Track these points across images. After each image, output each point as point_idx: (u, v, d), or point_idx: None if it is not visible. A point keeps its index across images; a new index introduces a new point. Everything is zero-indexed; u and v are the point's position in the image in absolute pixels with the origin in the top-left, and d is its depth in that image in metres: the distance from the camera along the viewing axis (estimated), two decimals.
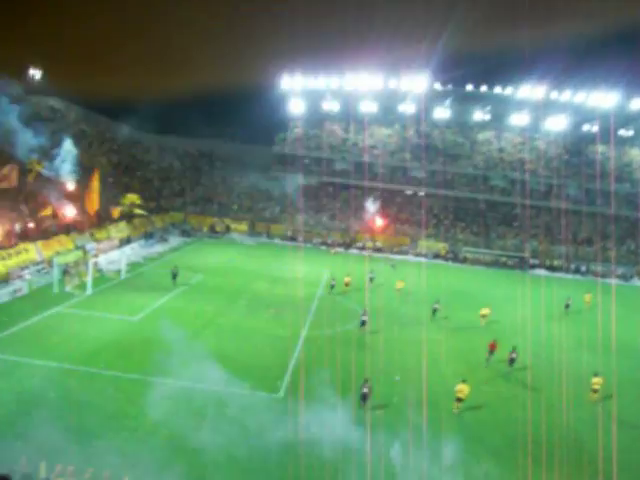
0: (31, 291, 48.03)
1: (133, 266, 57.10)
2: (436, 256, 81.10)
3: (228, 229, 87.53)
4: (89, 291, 48.45)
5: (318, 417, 27.21)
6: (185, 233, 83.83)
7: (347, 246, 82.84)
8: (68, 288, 49.04)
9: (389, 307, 49.06)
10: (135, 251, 65.27)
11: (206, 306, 47.65)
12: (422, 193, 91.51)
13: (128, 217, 73.66)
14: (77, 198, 63.22)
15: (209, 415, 28.69)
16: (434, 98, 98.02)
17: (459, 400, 31.73)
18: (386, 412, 28.40)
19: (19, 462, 18.20)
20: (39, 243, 54.92)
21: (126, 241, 68.59)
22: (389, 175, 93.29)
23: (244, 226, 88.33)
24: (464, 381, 32.35)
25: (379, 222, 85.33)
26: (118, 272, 54.89)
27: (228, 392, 31.52)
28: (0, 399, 28.04)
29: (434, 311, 48.77)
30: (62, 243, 58.30)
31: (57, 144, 66.60)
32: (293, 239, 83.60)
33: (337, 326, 43.31)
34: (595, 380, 35.44)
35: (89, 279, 49.06)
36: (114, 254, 58.52)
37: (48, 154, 65.00)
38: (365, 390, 30.80)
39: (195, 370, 34.16)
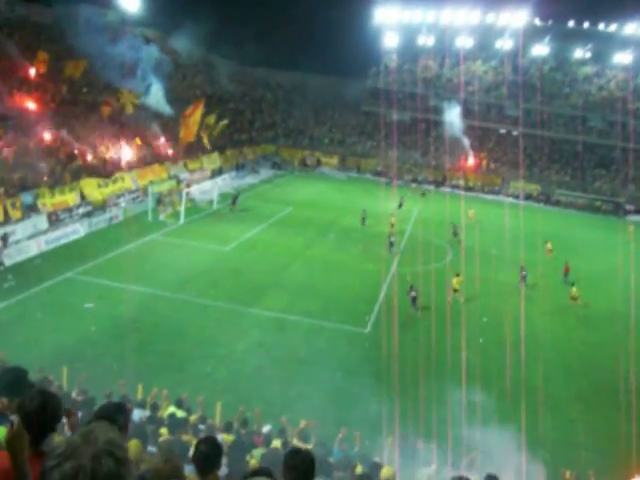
0: (126, 219, 49.37)
1: (225, 197, 57.87)
2: (528, 197, 79.45)
3: (319, 163, 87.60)
4: (182, 220, 49.50)
5: (404, 354, 27.33)
6: (276, 165, 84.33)
7: (438, 184, 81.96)
8: (161, 217, 50.23)
9: (481, 247, 48.40)
10: (227, 182, 66.11)
11: (296, 239, 48.09)
12: (516, 132, 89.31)
13: (220, 148, 74.44)
14: (171, 128, 64.10)
15: (296, 346, 29.28)
16: (533, 34, 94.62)
17: (455, 291, 36.99)
18: (472, 353, 28.37)
19: (117, 383, 19.00)
20: (134, 172, 56.12)
21: (218, 172, 69.50)
22: (483, 113, 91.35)
23: (335, 160, 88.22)
24: (457, 275, 37.80)
25: (471, 161, 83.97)
26: (210, 202, 55.80)
27: (316, 324, 32.04)
28: (98, 323, 29.17)
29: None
30: (156, 172, 59.43)
31: (153, 74, 67.49)
32: (384, 175, 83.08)
33: (427, 263, 43.15)
34: None
35: (182, 208, 50.10)
36: (206, 184, 59.41)
37: (144, 85, 65.97)
38: (413, 294, 34.70)
39: (284, 301, 34.82)
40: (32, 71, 56.77)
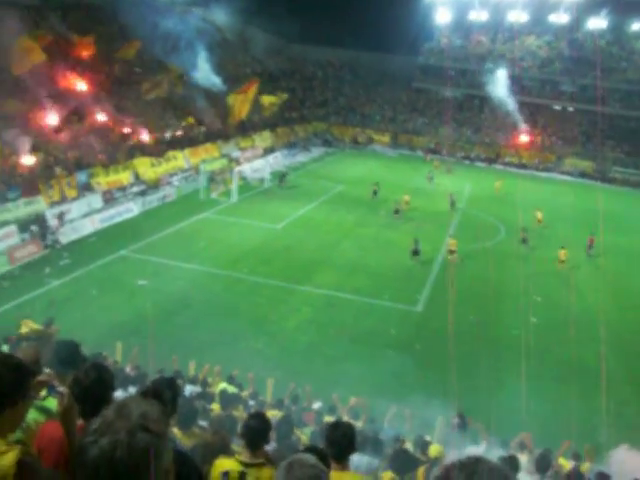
0: (179, 197, 49.86)
1: (276, 175, 57.93)
2: (582, 175, 77.92)
3: (370, 140, 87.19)
4: (234, 198, 49.75)
5: (457, 332, 27.14)
6: (327, 143, 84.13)
7: (491, 161, 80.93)
8: (214, 195, 50.54)
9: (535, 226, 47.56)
10: (278, 160, 66.20)
11: (347, 216, 47.97)
12: (571, 108, 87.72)
13: (272, 126, 74.53)
14: (222, 105, 64.19)
15: (347, 324, 29.29)
16: (589, 7, 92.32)
17: (452, 252, 39.10)
18: (524, 333, 28.03)
19: (170, 359, 19.21)
20: (186, 151, 56.55)
21: (270, 150, 69.62)
22: (537, 89, 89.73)
23: (386, 137, 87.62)
24: (451, 236, 40.70)
25: (524, 138, 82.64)
26: (262, 180, 55.96)
27: (367, 302, 31.98)
28: (152, 299, 29.51)
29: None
30: (208, 151, 59.82)
31: (199, 48, 67.74)
32: (436, 152, 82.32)
33: (479, 241, 42.75)
34: None
35: (234, 186, 50.35)
36: (258, 163, 59.60)
37: (192, 60, 66.24)
38: (415, 247, 38.62)
39: (335, 279, 34.83)
40: (85, 52, 57.33)
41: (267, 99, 71.00)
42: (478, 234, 43.65)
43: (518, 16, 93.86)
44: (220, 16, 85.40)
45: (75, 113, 48.86)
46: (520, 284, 34.13)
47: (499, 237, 45.97)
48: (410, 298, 33.08)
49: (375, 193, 54.07)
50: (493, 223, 49.25)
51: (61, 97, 48.21)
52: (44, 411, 5.32)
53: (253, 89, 62.62)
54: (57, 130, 46.20)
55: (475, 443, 14.94)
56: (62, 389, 4.69)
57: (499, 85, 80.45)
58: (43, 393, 4.71)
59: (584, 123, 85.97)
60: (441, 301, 31.46)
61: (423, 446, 13.32)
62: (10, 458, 3.80)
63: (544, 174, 77.31)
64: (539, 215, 48.52)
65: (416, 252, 38.59)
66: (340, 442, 6.20)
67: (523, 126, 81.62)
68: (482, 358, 24.53)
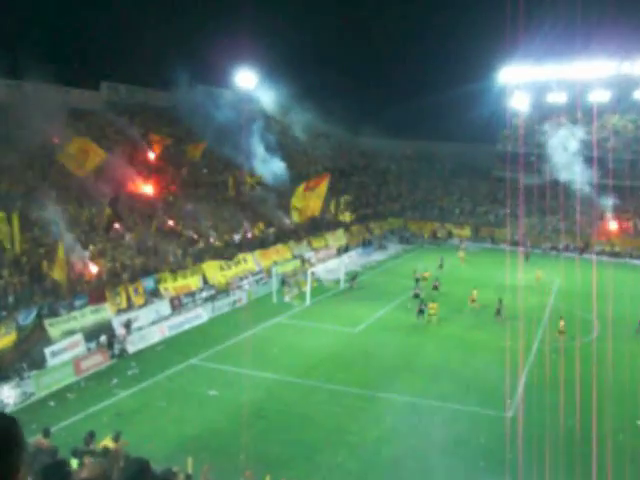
0: (250, 301, 50.14)
1: (350, 275, 57.85)
2: None
3: (450, 234, 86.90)
4: (308, 302, 49.82)
5: (552, 441, 26.16)
6: (404, 240, 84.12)
7: (581, 251, 79.46)
8: (287, 298, 50.69)
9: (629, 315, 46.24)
10: (353, 259, 66.37)
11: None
12: None
13: (345, 225, 75.04)
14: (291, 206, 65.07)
15: (433, 433, 28.53)
16: None
17: (561, 333, 42.33)
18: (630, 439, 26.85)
19: (244, 474, 18.94)
20: (257, 253, 57.16)
21: (344, 249, 69.87)
22: (625, 170, 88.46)
23: (467, 231, 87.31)
24: (562, 318, 43.41)
25: (613, 224, 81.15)
26: (337, 281, 56.03)
27: (453, 409, 31.27)
28: (224, 411, 29.41)
29: None
30: (279, 252, 60.35)
31: (272, 151, 69.41)
32: (519, 244, 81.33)
33: (571, 339, 41.64)
34: None
35: (308, 289, 50.47)
36: (332, 263, 59.80)
37: (264, 162, 67.88)
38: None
39: (418, 384, 34.23)
40: (152, 155, 59.27)
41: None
42: (572, 330, 42.58)
43: (599, 95, 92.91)
44: (288, 114, 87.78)
45: (142, 217, 50.16)
46: (623, 385, 32.97)
47: (593, 333, 44.76)
48: (500, 402, 32.13)
49: (441, 266, 58.84)
50: (586, 319, 48.03)
51: (129, 201, 49.74)
52: None
53: (324, 185, 62.53)
54: (123, 235, 47.44)
55: None
56: None
57: (583, 168, 79.66)
58: None
59: None
60: (535, 404, 30.45)
61: None
62: None
63: (639, 262, 75.50)
64: None
65: (498, 312, 44.33)
66: None
67: (612, 211, 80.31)
68: (584, 467, 23.48)
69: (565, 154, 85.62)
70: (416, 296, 50.89)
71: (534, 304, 50.12)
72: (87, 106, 64.07)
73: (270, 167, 68.31)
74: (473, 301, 49.04)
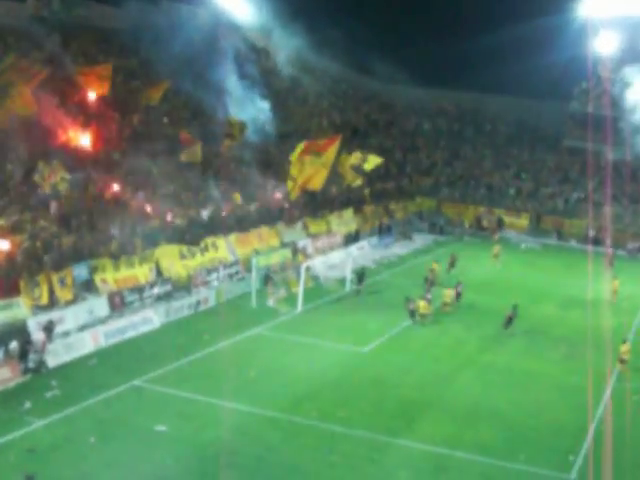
0: (220, 303, 50.09)
1: (359, 273, 57.73)
2: None
3: (501, 224, 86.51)
4: (300, 307, 49.73)
5: None
6: (437, 228, 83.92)
7: None
8: (271, 302, 50.66)
9: None
10: (365, 252, 66.30)
11: (465, 336, 47.64)
12: None
13: (356, 203, 74.70)
14: (284, 174, 64.46)
15: None
16: None
17: (622, 362, 42.47)
18: None
19: None
20: (232, 237, 56.83)
21: (353, 238, 69.62)
22: None
23: (524, 220, 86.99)
24: (625, 341, 42.89)
25: None
26: (341, 281, 55.91)
27: (494, 465, 31.21)
28: (176, 453, 29.32)
29: None
30: (263, 238, 60.04)
31: (257, 95, 69.12)
32: (598, 242, 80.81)
33: None
34: None
35: (300, 290, 50.34)
36: (336, 256, 59.67)
37: (248, 110, 67.46)
38: (510, 314, 47.40)
39: (447, 429, 34.18)
40: (92, 94, 58.60)
41: (372, 160, 67.96)
42: None
43: None
44: (284, 48, 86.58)
45: (75, 179, 49.78)
46: None
47: None
48: (560, 460, 32.12)
49: (452, 265, 59.50)
50: None
51: (57, 155, 49.36)
52: None
53: (332, 150, 61.18)
54: (48, 202, 47.19)
55: None
56: None
57: None
58: None
59: None
60: (608, 463, 30.40)
61: None
62: None
63: None
64: None
65: (510, 320, 46.03)
66: None
67: None
68: None
69: None
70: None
71: (614, 326, 50.09)
72: (6, 21, 63.77)
73: (253, 115, 67.53)
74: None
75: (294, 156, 55.40)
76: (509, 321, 47.53)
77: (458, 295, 53.55)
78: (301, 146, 55.58)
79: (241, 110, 66.27)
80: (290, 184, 57.05)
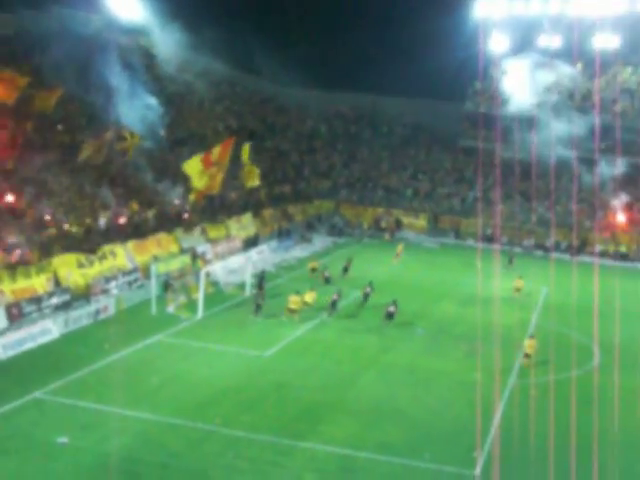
0: (120, 311, 49.73)
1: (258, 278, 57.71)
2: None
3: (399, 225, 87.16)
4: (200, 313, 49.57)
5: None
6: (336, 230, 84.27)
7: (576, 251, 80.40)
8: (171, 308, 50.46)
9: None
10: (265, 256, 66.28)
11: (368, 337, 47.91)
12: None
13: (255, 207, 74.68)
14: (183, 179, 64.10)
15: None
16: None
17: (527, 356, 44.15)
18: None
19: None
20: (130, 244, 56.53)
21: (252, 242, 69.63)
22: (637, 142, 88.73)
23: (422, 220, 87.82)
24: (532, 337, 44.78)
25: (621, 215, 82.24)
26: (241, 286, 55.86)
27: (400, 465, 31.36)
28: (78, 465, 28.95)
29: None
30: (162, 244, 59.84)
31: (159, 102, 68.66)
32: (493, 240, 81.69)
33: (562, 370, 42.30)
34: None
35: (200, 296, 50.18)
36: (235, 260, 59.58)
37: (143, 118, 66.94)
38: (391, 309, 47.78)
39: (352, 430, 34.29)
40: None
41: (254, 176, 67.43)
42: (561, 359, 43.21)
43: (607, 40, 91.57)
44: (179, 52, 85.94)
45: None
46: (632, 434, 33.56)
47: (592, 363, 45.55)
48: (464, 456, 32.40)
49: (346, 270, 59.41)
50: (583, 343, 48.82)
51: None
52: None
53: (227, 153, 61.34)
54: None
55: None
56: None
57: (583, 139, 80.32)
58: None
59: None
60: (510, 459, 30.73)
61: None
62: None
63: None
64: None
65: (390, 315, 46.79)
66: None
67: (621, 199, 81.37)
68: None
69: (559, 119, 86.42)
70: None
71: (513, 322, 50.75)
72: None
73: (147, 120, 66.93)
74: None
75: (193, 169, 55.15)
76: (390, 315, 48.66)
77: (366, 296, 54.13)
78: (197, 159, 55.38)
79: (134, 115, 65.78)
80: (192, 196, 57.22)
